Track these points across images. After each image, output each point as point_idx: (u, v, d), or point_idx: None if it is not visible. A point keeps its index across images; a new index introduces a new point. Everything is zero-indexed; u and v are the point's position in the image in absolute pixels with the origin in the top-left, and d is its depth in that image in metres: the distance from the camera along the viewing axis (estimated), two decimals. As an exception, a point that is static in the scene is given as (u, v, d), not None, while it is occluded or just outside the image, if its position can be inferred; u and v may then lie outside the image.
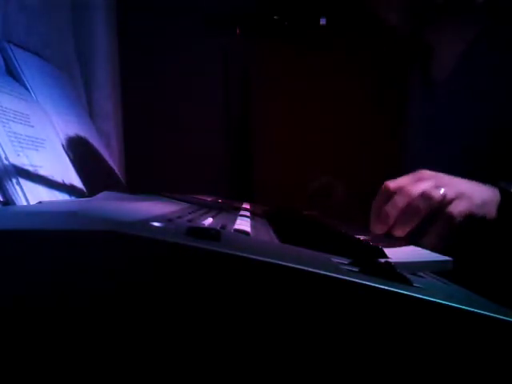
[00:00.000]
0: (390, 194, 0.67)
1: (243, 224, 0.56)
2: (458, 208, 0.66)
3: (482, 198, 0.69)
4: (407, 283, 0.33)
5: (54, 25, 1.07)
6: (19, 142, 0.63)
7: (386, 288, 0.31)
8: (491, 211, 0.69)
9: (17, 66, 0.81)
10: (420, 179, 0.68)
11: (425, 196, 0.65)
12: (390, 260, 0.47)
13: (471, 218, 0.67)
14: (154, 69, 1.65)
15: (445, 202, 0.66)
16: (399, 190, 0.66)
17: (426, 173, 0.70)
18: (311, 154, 1.63)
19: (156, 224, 0.35)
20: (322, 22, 1.30)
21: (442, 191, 0.65)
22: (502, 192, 0.71)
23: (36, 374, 0.30)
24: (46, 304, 0.30)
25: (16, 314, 0.30)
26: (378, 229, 0.67)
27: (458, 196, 0.67)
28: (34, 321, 0.30)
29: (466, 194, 0.67)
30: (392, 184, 0.67)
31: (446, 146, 0.91)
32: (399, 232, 0.65)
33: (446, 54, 0.93)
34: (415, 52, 1.01)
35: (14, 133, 0.63)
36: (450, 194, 0.66)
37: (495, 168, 0.82)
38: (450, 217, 0.65)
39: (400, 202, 0.65)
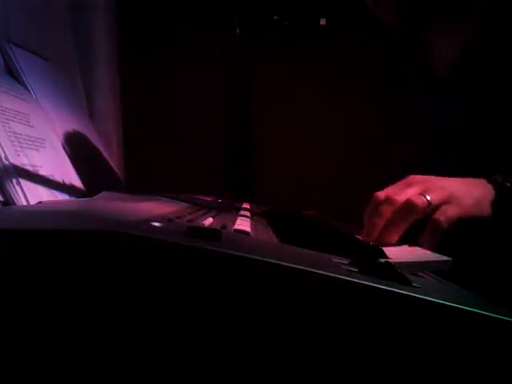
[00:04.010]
0: (379, 204, 0.67)
1: (243, 224, 0.56)
2: (445, 214, 0.65)
3: (473, 197, 0.68)
4: (407, 283, 0.33)
5: (54, 25, 1.08)
6: (19, 142, 0.63)
7: (386, 288, 0.31)
8: (486, 209, 0.69)
9: (17, 65, 0.81)
10: (408, 185, 0.68)
11: (408, 204, 0.65)
12: (389, 260, 0.47)
13: (463, 220, 0.66)
14: (154, 69, 1.65)
15: (432, 209, 0.65)
16: (386, 200, 0.66)
17: (416, 178, 0.70)
18: (311, 154, 1.64)
19: (156, 224, 0.35)
20: (322, 22, 1.31)
21: (428, 197, 0.65)
22: (498, 186, 0.71)
23: (36, 373, 0.30)
24: (46, 304, 0.30)
25: (16, 314, 0.30)
26: (368, 239, 0.67)
27: (446, 201, 0.66)
28: (33, 321, 0.30)
29: (455, 196, 0.67)
30: (381, 194, 0.68)
31: (446, 144, 0.91)
32: (387, 241, 0.65)
33: (445, 52, 0.93)
34: (414, 50, 1.01)
35: (14, 133, 0.63)
36: (437, 200, 0.65)
37: (495, 165, 0.82)
38: (438, 223, 0.65)
39: (385, 211, 0.65)
